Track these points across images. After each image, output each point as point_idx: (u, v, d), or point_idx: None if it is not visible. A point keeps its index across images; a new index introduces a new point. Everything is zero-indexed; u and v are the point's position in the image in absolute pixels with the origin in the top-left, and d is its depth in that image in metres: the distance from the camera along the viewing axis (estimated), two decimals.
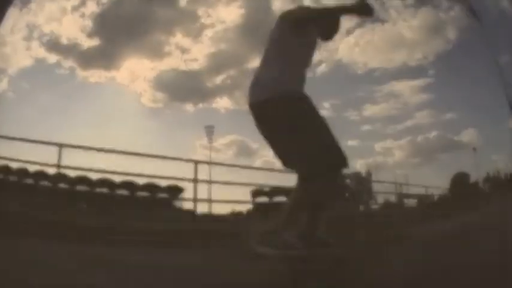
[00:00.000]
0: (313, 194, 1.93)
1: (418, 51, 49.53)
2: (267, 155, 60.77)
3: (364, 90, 61.14)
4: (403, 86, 55.43)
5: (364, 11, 2.02)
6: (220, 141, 72.74)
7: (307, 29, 2.13)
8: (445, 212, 9.77)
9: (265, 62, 2.15)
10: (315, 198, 1.94)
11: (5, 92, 46.92)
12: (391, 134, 53.88)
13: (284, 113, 1.97)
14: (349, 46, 55.61)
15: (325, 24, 2.24)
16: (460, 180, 25.90)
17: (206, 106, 59.36)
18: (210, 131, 42.26)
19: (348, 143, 57.01)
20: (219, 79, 62.19)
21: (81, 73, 55.63)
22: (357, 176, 48.28)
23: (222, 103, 66.41)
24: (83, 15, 56.43)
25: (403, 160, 52.26)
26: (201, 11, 56.09)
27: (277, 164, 2.12)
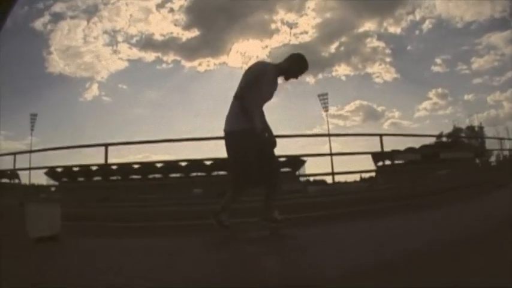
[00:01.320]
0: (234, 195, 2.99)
1: (498, 4, 49.70)
2: (394, 116, 59.21)
3: (468, 44, 54.99)
4: (496, 38, 50.34)
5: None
6: (346, 108, 72.01)
7: (261, 84, 2.87)
8: None
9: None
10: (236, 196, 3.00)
11: (97, 97, 52.40)
12: (498, 86, 49.02)
13: (226, 143, 2.94)
14: (444, 1, 50.74)
15: (286, 71, 2.98)
16: None
17: (326, 75, 58.54)
18: (324, 98, 40.10)
19: (464, 97, 53.34)
20: (332, 47, 60.98)
21: (187, 64, 59.04)
22: (470, 130, 42.98)
23: (341, 70, 64.84)
24: (171, 11, 59.79)
25: None
26: None
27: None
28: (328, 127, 39.50)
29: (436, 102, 62.88)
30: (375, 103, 64.09)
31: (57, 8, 46.51)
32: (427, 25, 51.26)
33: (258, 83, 2.85)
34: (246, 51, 54.72)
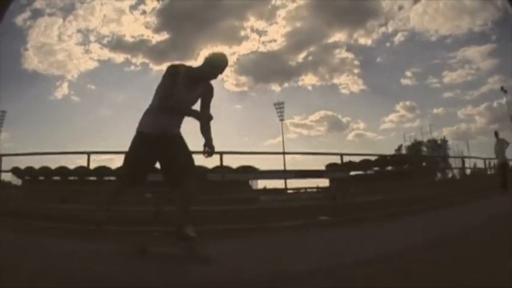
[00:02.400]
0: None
1: (478, 18, 49.39)
2: (358, 128, 60.76)
3: (440, 57, 58.09)
4: (473, 52, 54.14)
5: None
6: (311, 118, 72.40)
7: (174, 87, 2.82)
8: None
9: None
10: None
11: (66, 96, 51.52)
12: (470, 101, 51.76)
13: None
14: (419, 14, 54.27)
15: (203, 75, 2.91)
16: None
17: (292, 85, 58.06)
18: (280, 107, 40.59)
19: (434, 111, 55.55)
20: (300, 57, 60.92)
21: (155, 67, 57.78)
22: (432, 143, 44.39)
23: (307, 80, 65.61)
24: (143, 13, 59.26)
25: (485, 126, 48.27)
26: None
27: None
28: (283, 137, 40.02)
29: (403, 114, 65.26)
30: (340, 114, 65.52)
31: (38, 4, 45.40)
32: (399, 38, 52.65)
33: (172, 86, 2.79)
34: None
